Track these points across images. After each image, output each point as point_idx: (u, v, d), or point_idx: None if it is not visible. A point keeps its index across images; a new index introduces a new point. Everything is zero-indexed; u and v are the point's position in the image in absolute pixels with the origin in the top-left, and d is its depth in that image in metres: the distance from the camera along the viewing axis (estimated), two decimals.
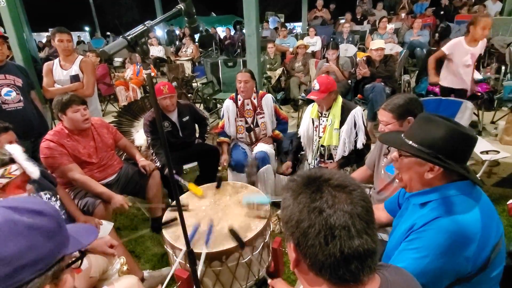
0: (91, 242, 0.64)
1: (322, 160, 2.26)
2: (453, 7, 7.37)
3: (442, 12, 7.35)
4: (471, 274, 0.86)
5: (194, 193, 1.78)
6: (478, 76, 3.70)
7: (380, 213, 1.30)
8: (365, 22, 7.53)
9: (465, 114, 2.53)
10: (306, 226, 0.56)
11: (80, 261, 0.63)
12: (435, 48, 5.05)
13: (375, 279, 0.61)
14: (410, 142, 0.94)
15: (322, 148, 2.24)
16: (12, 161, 1.04)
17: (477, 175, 2.30)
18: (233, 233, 1.39)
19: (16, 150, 1.06)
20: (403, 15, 7.05)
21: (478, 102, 3.29)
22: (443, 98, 2.71)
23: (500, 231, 0.91)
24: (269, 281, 1.08)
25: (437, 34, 6.39)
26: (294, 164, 2.45)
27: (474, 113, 3.12)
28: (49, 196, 1.50)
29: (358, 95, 3.83)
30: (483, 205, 0.90)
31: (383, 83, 3.52)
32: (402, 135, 0.99)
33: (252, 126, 2.54)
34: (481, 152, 2.36)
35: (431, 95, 3.93)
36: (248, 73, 2.42)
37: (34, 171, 1.06)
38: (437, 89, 4.01)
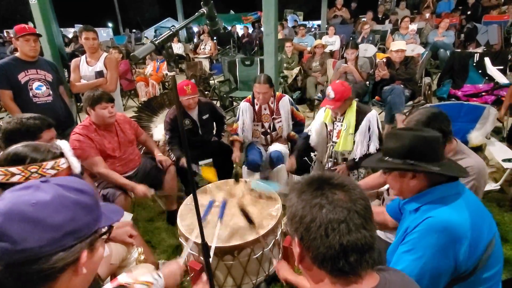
0: (118, 219, 0.74)
1: (336, 162, 2.26)
2: (481, 7, 7.05)
3: (469, 12, 7.06)
4: (466, 274, 0.90)
5: (207, 178, 1.92)
6: (504, 80, 3.55)
7: (386, 217, 1.34)
8: (387, 22, 7.35)
9: (488, 120, 2.45)
10: (309, 221, 0.62)
11: (108, 234, 0.74)
12: (459, 50, 4.88)
13: (373, 276, 0.65)
14: (386, 158, 1.03)
15: (336, 153, 2.22)
16: (61, 155, 1.16)
17: (498, 183, 2.23)
18: (244, 213, 1.46)
19: (65, 146, 1.20)
20: (427, 15, 6.83)
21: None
22: (465, 102, 2.63)
23: (492, 231, 0.95)
24: (274, 263, 1.16)
25: (462, 35, 6.16)
26: (308, 165, 2.45)
27: (498, 119, 3.00)
28: None
29: (376, 97, 3.77)
30: (471, 205, 0.95)
31: (402, 85, 3.45)
32: (382, 154, 1.07)
33: (268, 130, 2.51)
34: (503, 160, 2.28)
35: (453, 99, 3.80)
36: (267, 84, 2.28)
37: (77, 166, 1.18)
38: (459, 93, 3.87)
